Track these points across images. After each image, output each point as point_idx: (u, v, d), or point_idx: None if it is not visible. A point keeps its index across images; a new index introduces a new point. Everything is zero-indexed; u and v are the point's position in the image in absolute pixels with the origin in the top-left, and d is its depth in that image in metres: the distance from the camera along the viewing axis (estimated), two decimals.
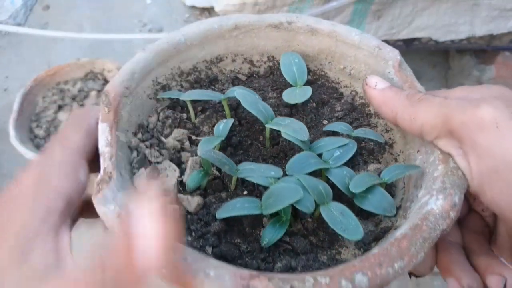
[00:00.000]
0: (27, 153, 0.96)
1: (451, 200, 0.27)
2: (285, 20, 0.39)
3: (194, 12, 1.51)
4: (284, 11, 0.95)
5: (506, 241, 0.31)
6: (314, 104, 0.39)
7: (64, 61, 1.14)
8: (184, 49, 0.38)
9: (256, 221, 0.31)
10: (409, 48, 1.13)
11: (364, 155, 0.36)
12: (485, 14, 0.97)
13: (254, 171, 0.31)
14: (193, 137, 0.35)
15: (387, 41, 1.13)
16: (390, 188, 0.34)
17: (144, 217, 0.20)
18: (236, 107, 0.37)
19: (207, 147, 0.31)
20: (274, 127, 0.33)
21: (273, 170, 0.31)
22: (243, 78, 0.40)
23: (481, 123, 0.27)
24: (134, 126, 0.35)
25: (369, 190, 0.30)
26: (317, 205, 0.29)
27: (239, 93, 0.34)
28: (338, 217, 0.28)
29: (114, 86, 0.33)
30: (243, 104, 0.33)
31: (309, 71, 0.40)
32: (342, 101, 0.39)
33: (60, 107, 1.10)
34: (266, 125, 0.33)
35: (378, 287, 0.24)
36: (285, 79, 0.38)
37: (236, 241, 0.30)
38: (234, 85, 0.40)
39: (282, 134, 0.32)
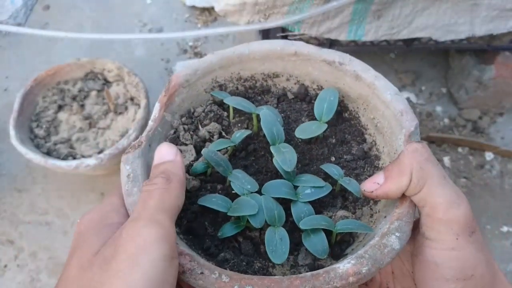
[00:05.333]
0: (27, 153, 0.96)
1: (358, 268, 0.30)
2: (338, 60, 0.41)
3: (194, 12, 1.51)
4: (284, 11, 0.95)
5: None
6: (334, 140, 0.41)
7: (64, 61, 1.14)
8: (246, 60, 0.43)
9: (228, 216, 0.36)
10: (409, 48, 1.13)
11: (348, 200, 0.39)
12: (485, 14, 0.97)
13: (239, 179, 0.36)
14: (223, 133, 0.41)
15: (387, 41, 1.13)
16: (350, 236, 0.37)
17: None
18: None
19: (215, 148, 0.37)
20: (273, 151, 0.37)
21: (250, 184, 0.36)
22: (291, 96, 0.45)
23: (449, 227, 0.32)
24: (183, 110, 0.41)
25: (314, 231, 0.34)
26: (269, 225, 0.34)
27: (263, 112, 0.38)
28: (276, 240, 0.33)
29: (177, 77, 0.40)
30: (261, 122, 0.38)
31: (347, 109, 0.43)
32: (361, 146, 0.42)
33: (60, 107, 1.10)
34: (270, 147, 0.37)
35: None
36: None
37: (206, 224, 0.36)
38: (279, 101, 0.44)
39: (274, 160, 0.37)
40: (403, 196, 0.34)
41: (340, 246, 0.36)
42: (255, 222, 0.34)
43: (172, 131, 0.40)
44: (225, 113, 0.42)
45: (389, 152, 0.39)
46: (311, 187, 0.36)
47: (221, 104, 0.43)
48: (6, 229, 1.07)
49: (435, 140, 1.20)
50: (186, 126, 0.41)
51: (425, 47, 1.14)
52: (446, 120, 1.25)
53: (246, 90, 0.44)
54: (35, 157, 0.95)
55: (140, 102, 1.06)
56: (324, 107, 0.40)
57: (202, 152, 0.37)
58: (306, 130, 0.39)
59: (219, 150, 0.38)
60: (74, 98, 1.11)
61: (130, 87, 1.11)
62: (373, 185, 0.35)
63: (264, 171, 0.39)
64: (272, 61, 0.43)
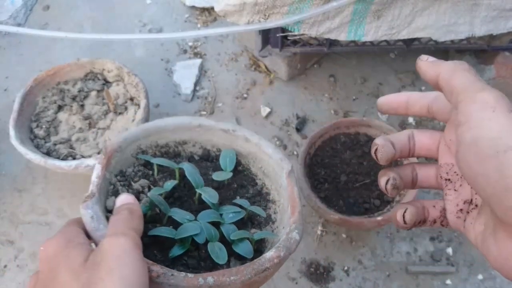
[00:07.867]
0: (27, 153, 0.96)
1: (278, 253, 0.44)
2: (231, 129, 0.57)
3: (194, 12, 1.51)
4: (284, 11, 0.95)
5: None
6: (235, 186, 0.56)
7: (64, 61, 1.14)
8: (162, 131, 0.56)
9: (173, 242, 0.46)
10: (409, 48, 1.13)
11: (255, 223, 0.53)
12: (485, 14, 0.98)
13: (178, 213, 0.48)
14: (151, 187, 0.52)
15: (387, 41, 1.13)
16: (263, 244, 0.51)
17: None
18: (184, 175, 0.53)
19: (155, 193, 0.49)
20: (200, 191, 0.51)
21: (188, 215, 0.48)
22: (197, 158, 0.59)
23: (484, 104, 0.33)
24: (116, 171, 0.52)
25: (241, 240, 0.48)
26: (208, 241, 0.46)
27: (186, 166, 0.53)
28: (216, 250, 0.46)
29: (112, 144, 0.51)
30: (186, 173, 0.51)
31: (241, 164, 0.59)
32: (254, 188, 0.57)
33: (60, 107, 1.10)
34: (196, 190, 0.51)
35: (223, 285, 0.41)
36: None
37: (155, 252, 0.45)
38: (189, 161, 0.58)
39: (202, 197, 0.50)
40: (293, 209, 0.49)
41: (256, 254, 0.48)
42: (199, 239, 0.46)
43: (111, 187, 0.50)
44: (150, 172, 0.54)
45: (276, 187, 0.55)
46: (232, 212, 0.51)
47: (146, 165, 0.55)
48: (6, 229, 1.07)
49: None
50: (121, 183, 0.51)
51: (425, 48, 1.14)
52: None
53: (162, 155, 0.57)
54: (35, 157, 0.96)
55: (140, 102, 1.06)
56: (227, 161, 0.56)
57: (148, 194, 0.49)
58: (219, 175, 0.55)
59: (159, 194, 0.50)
60: (74, 98, 1.11)
61: (130, 87, 1.11)
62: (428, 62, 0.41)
63: (190, 211, 0.51)
64: (182, 131, 0.57)
